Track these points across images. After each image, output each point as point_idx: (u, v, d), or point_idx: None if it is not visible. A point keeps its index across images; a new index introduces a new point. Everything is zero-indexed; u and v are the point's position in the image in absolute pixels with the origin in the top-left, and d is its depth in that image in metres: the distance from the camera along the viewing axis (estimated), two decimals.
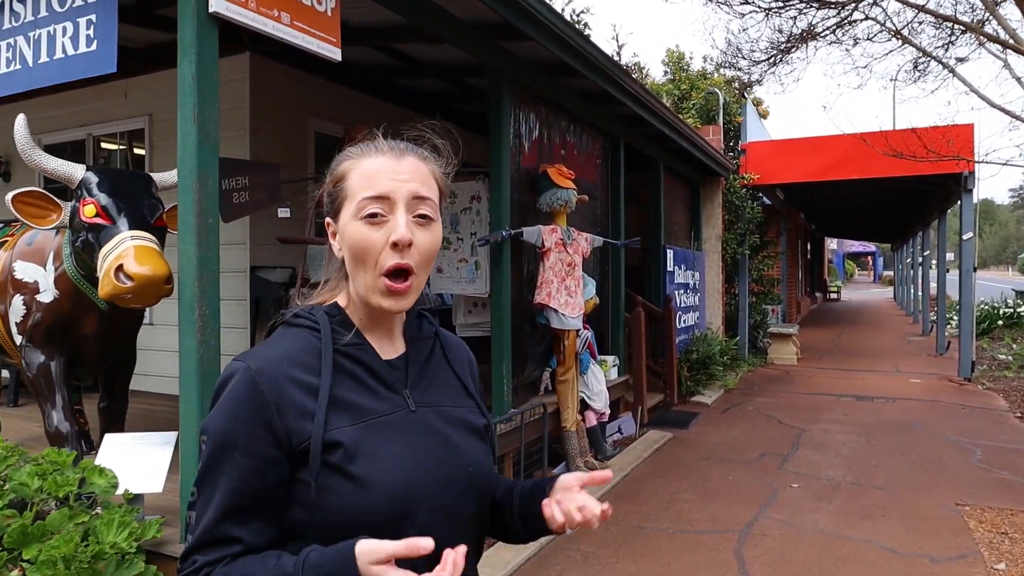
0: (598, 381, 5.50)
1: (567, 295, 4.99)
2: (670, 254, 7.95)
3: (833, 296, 29.40)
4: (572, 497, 1.02)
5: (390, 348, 1.06)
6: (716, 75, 9.72)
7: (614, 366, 6.36)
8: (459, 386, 1.11)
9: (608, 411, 5.62)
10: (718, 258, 9.84)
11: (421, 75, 5.79)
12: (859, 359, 11.17)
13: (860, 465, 5.20)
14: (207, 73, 2.42)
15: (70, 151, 6.52)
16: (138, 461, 2.54)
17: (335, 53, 3.00)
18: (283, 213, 3.93)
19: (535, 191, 5.05)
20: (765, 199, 11.89)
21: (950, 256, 15.01)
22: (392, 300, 0.98)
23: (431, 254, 1.01)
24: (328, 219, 1.05)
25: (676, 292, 8.16)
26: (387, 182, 0.98)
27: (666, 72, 10.83)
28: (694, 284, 8.90)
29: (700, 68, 10.68)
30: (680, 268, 8.33)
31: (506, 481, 1.17)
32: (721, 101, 9.81)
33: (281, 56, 5.61)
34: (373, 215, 0.96)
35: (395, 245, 0.95)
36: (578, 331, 5.08)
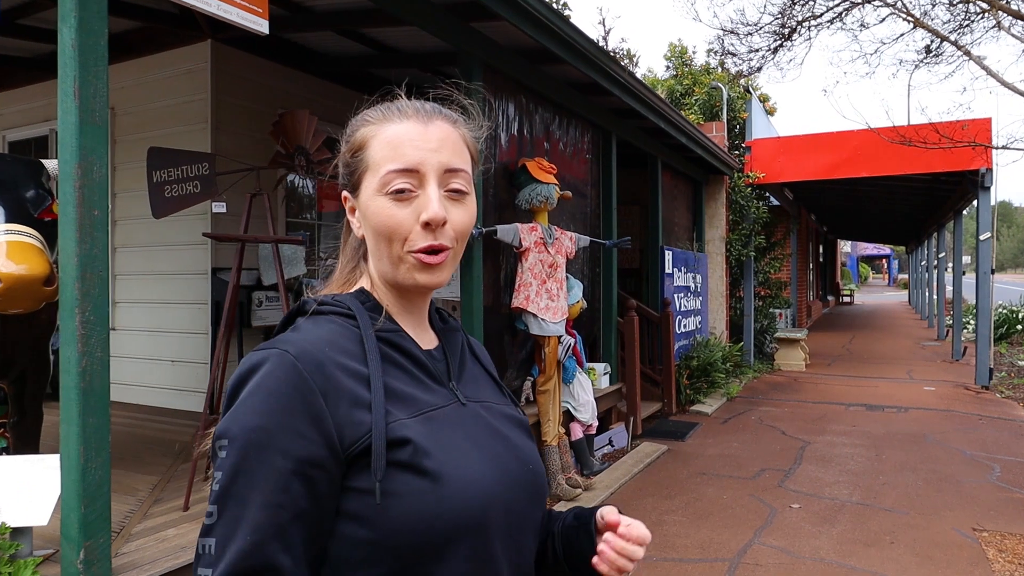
0: (584, 391, 5.13)
1: (548, 299, 4.63)
2: (669, 255, 7.56)
3: (846, 300, 28.80)
4: (622, 544, 0.90)
5: (425, 337, 0.93)
6: (719, 69, 9.32)
7: (605, 374, 5.99)
8: (492, 383, 0.99)
9: (596, 423, 5.24)
10: (722, 260, 9.43)
11: (398, 64, 5.45)
12: (870, 365, 10.71)
13: (868, 483, 4.79)
14: (91, 40, 2.09)
15: (34, 148, 6.25)
16: (20, 489, 2.21)
17: (262, 25, 2.66)
18: (218, 208, 3.60)
19: (514, 186, 4.70)
20: (773, 199, 11.48)
21: (966, 259, 14.48)
22: (427, 274, 0.85)
23: (467, 231, 0.89)
24: (345, 192, 0.92)
25: (675, 295, 7.77)
26: (415, 152, 0.85)
27: (668, 67, 10.46)
28: (696, 287, 8.50)
29: (704, 63, 10.28)
30: (680, 270, 7.94)
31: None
32: (725, 96, 9.41)
33: (248, 45, 5.30)
34: (400, 191, 0.84)
35: (427, 225, 0.83)
36: (560, 337, 4.72)
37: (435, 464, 0.78)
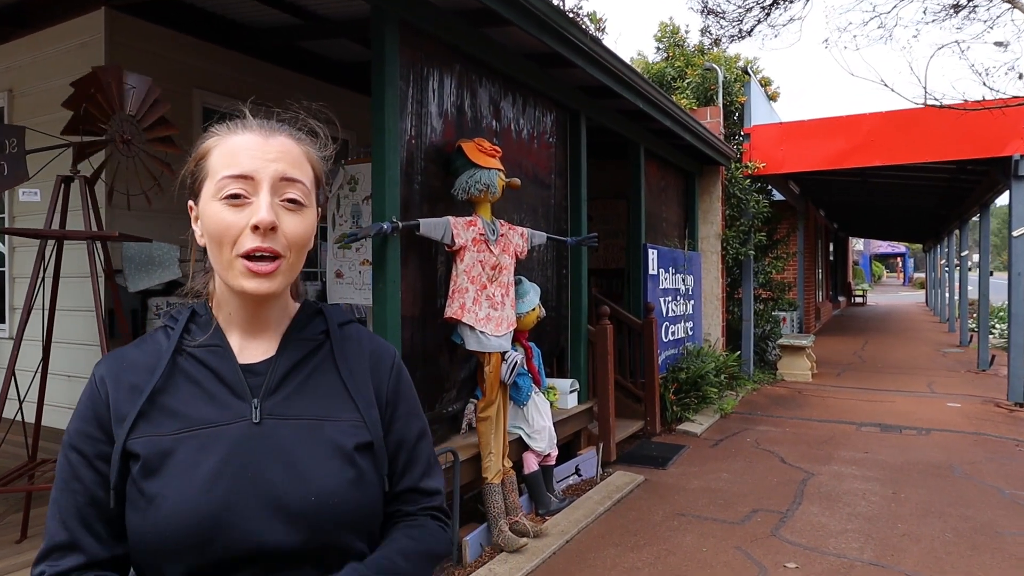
0: (541, 415, 4.32)
1: (490, 307, 3.83)
2: (653, 255, 6.73)
3: (858, 300, 27.77)
4: None
5: (260, 349, 0.94)
6: (706, 41, 8.48)
7: (572, 391, 5.17)
8: (343, 395, 0.95)
9: (555, 452, 4.43)
10: (717, 259, 8.58)
11: (328, 34, 4.66)
12: (885, 375, 9.81)
13: (883, 533, 3.94)
14: None
15: None
16: None
17: None
18: (27, 196, 2.84)
19: (450, 174, 3.89)
20: (777, 194, 10.60)
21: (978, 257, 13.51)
22: (255, 281, 0.87)
23: (302, 241, 0.90)
24: (190, 202, 0.94)
25: (662, 299, 6.93)
26: (251, 160, 0.88)
27: (658, 48, 9.61)
28: (686, 290, 7.66)
29: (698, 43, 9.42)
30: (667, 271, 7.10)
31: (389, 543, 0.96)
32: (720, 79, 8.56)
33: (153, 14, 4.53)
34: (235, 196, 0.87)
35: (255, 228, 0.85)
36: (504, 354, 3.91)
37: (156, 486, 0.84)
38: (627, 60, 5.37)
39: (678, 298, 7.40)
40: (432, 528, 1.00)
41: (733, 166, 8.67)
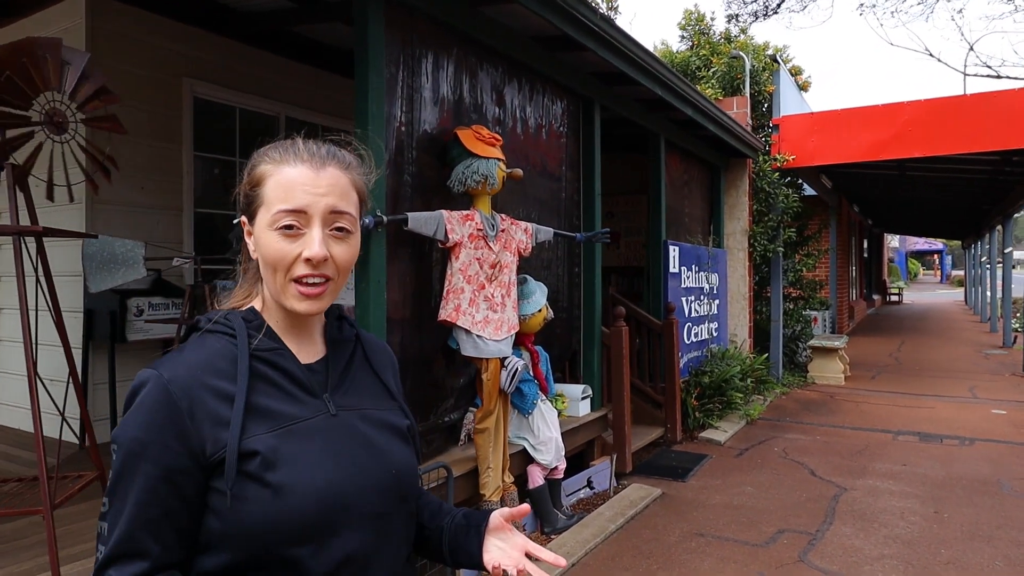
0: (548, 425, 4.01)
1: (488, 309, 3.52)
2: (674, 252, 6.36)
3: (894, 299, 26.88)
4: (509, 551, 1.08)
5: (310, 351, 1.04)
6: (742, 36, 8.05)
7: (584, 398, 4.85)
8: (382, 389, 1.09)
9: (562, 464, 4.12)
10: (745, 257, 8.16)
11: (323, 18, 4.39)
12: (923, 379, 9.29)
13: (925, 560, 3.56)
14: None
15: None
16: None
17: None
18: None
19: (446, 164, 3.60)
20: (808, 189, 10.13)
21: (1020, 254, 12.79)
22: (307, 303, 0.97)
23: (349, 264, 1.00)
24: (243, 218, 1.02)
25: (684, 299, 6.56)
26: (304, 196, 0.95)
27: (683, 37, 9.19)
28: (711, 289, 7.27)
29: (724, 30, 8.98)
30: (690, 269, 6.73)
31: (429, 501, 1.18)
32: (748, 67, 8.13)
33: (141, 0, 4.32)
34: (288, 227, 0.95)
35: (308, 260, 0.95)
36: (504, 359, 3.60)
37: (279, 476, 0.91)
38: (645, 44, 5.01)
39: (702, 297, 7.02)
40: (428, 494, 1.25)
41: (761, 159, 8.24)
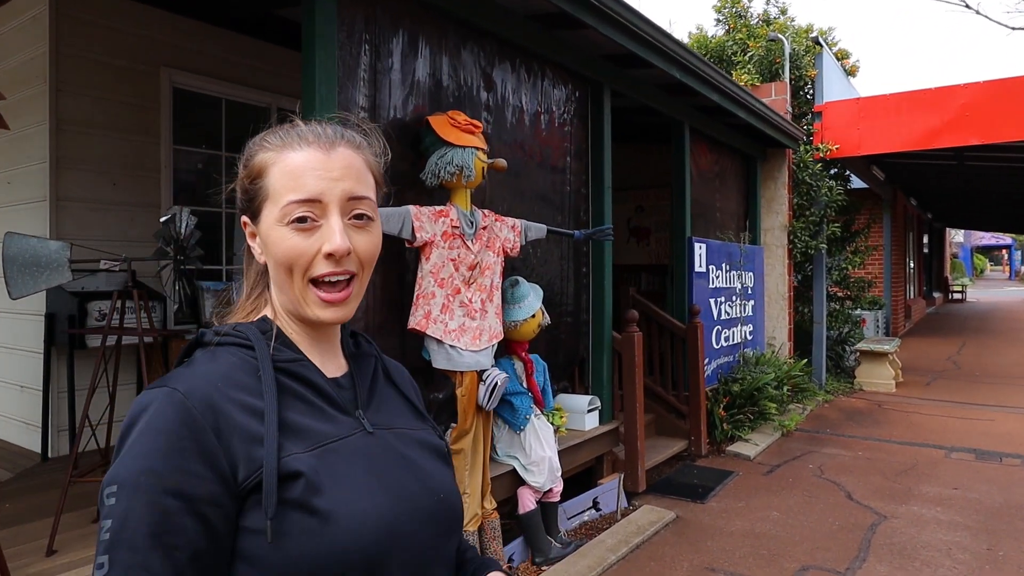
0: (541, 443, 3.62)
1: (465, 315, 3.16)
2: (701, 249, 5.87)
3: (956, 297, 25.40)
4: None
5: (332, 365, 0.91)
6: (781, 17, 7.46)
7: (592, 410, 4.44)
8: (409, 407, 0.97)
9: (559, 486, 3.73)
10: (784, 254, 7.58)
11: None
12: (984, 386, 8.50)
13: None
14: None
15: None
16: None
17: None
18: None
19: (422, 155, 3.24)
20: (856, 180, 9.42)
21: None
22: (331, 311, 0.85)
23: (372, 257, 0.88)
24: (245, 218, 0.89)
25: (712, 300, 6.07)
26: (317, 182, 0.83)
27: (718, 21, 8.60)
28: (744, 288, 6.74)
29: (762, 12, 8.37)
30: (720, 268, 6.22)
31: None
32: (787, 51, 7.52)
33: None
34: (302, 219, 0.82)
35: (329, 256, 0.83)
36: (482, 373, 3.23)
37: (326, 502, 0.76)
38: (665, 25, 4.54)
39: (733, 298, 6.50)
40: None
41: (802, 149, 7.63)
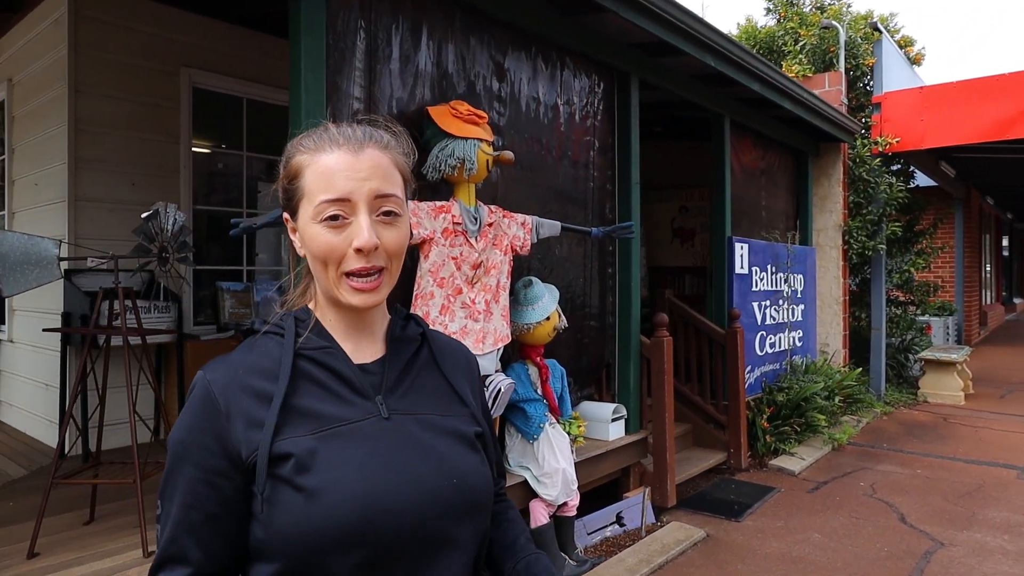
0: (555, 454, 3.40)
1: (467, 317, 2.98)
2: (742, 249, 5.53)
3: None
4: None
5: (368, 351, 0.98)
6: (836, 2, 7.01)
7: (617, 419, 4.19)
8: (450, 392, 1.01)
9: (574, 500, 3.50)
10: (838, 255, 7.11)
11: None
12: None
13: None
14: None
15: None
16: None
17: None
18: None
19: (425, 149, 3.08)
20: (920, 176, 8.81)
21: None
22: (361, 296, 0.92)
23: (400, 250, 0.96)
24: (286, 215, 0.98)
25: (755, 303, 5.71)
26: (346, 183, 0.90)
27: (768, 10, 8.17)
28: (792, 292, 6.33)
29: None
30: (764, 269, 5.85)
31: (506, 530, 1.08)
32: (842, 38, 7.06)
33: None
34: (334, 217, 0.90)
35: (359, 251, 0.90)
36: (485, 378, 3.04)
37: (313, 480, 0.84)
38: (693, 8, 4.27)
39: (780, 302, 6.11)
40: (515, 507, 1.16)
41: (859, 143, 7.15)
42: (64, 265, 4.02)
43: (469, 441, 0.97)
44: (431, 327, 2.79)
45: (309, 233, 0.91)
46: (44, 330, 3.66)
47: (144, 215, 2.64)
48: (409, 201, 2.69)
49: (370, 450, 0.88)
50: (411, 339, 1.02)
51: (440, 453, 0.92)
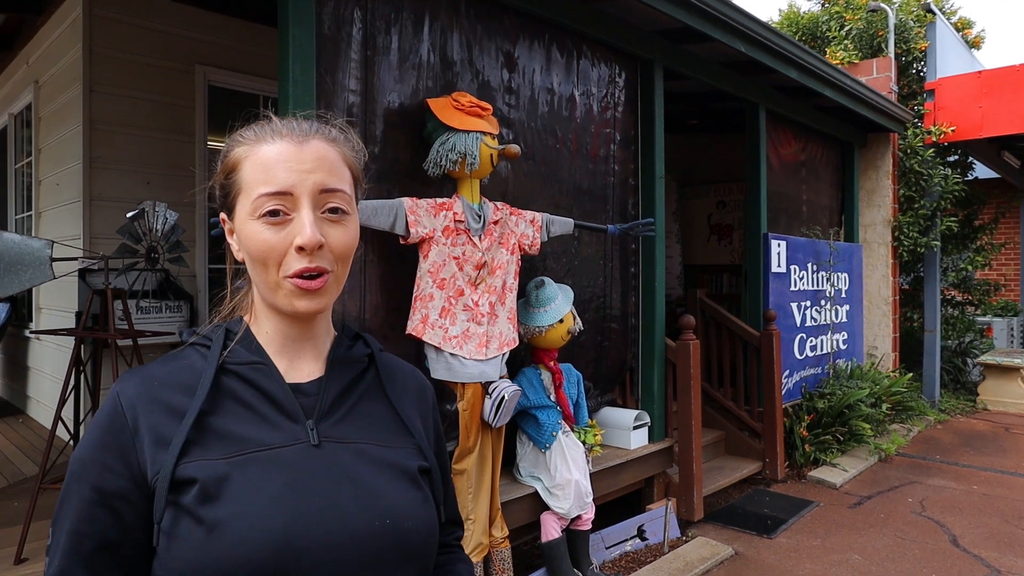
0: (567, 464, 3.22)
1: (469, 320, 2.82)
2: (780, 247, 5.22)
3: None
4: None
5: (305, 370, 0.88)
6: None
7: (640, 426, 3.98)
8: (395, 421, 0.91)
9: (589, 513, 3.30)
10: (887, 253, 6.70)
11: None
12: None
13: None
14: None
15: None
16: None
17: None
18: None
19: (426, 143, 2.93)
20: (980, 168, 8.27)
21: None
22: (305, 300, 0.82)
23: (347, 253, 0.85)
24: (223, 215, 0.89)
25: (794, 304, 5.39)
26: (288, 174, 0.81)
27: None
28: (835, 292, 5.98)
29: None
30: (804, 268, 5.53)
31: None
32: (891, 21, 6.64)
33: None
34: (273, 213, 0.81)
35: (301, 249, 0.80)
36: (488, 385, 2.87)
37: (217, 512, 0.74)
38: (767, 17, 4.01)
39: (821, 302, 5.77)
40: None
41: (910, 132, 6.72)
42: (73, 265, 4.03)
43: (411, 476, 0.86)
44: (431, 330, 2.63)
45: (246, 232, 0.82)
46: (31, 332, 3.65)
47: (129, 214, 2.57)
48: (405, 198, 2.51)
49: (288, 480, 0.77)
50: (356, 360, 0.93)
51: (373, 488, 0.82)
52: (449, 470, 1.02)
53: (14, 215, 5.48)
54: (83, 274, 3.77)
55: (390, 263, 2.86)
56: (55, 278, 2.52)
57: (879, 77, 6.64)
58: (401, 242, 2.74)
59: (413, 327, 2.73)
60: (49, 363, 4.57)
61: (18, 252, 2.54)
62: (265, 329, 0.88)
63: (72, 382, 2.63)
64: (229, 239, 0.89)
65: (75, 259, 2.65)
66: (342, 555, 0.77)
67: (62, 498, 0.78)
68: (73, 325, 3.85)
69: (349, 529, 0.78)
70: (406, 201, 2.70)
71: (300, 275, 0.80)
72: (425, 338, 2.71)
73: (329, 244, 0.82)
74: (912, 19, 6.80)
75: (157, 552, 0.75)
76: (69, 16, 4.12)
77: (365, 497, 0.81)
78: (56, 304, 4.34)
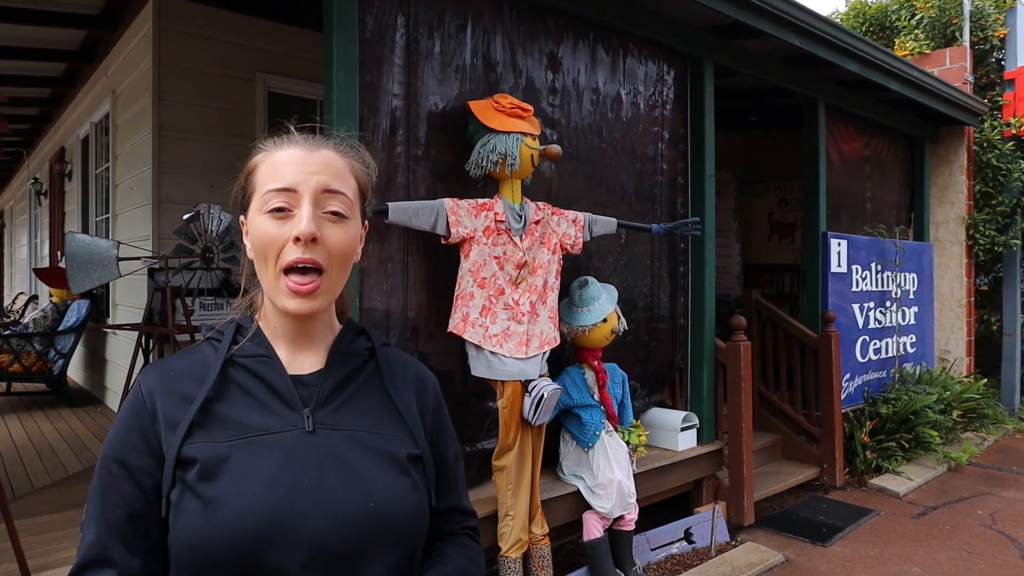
0: (610, 464, 3.21)
1: (509, 319, 2.85)
2: (840, 246, 5.04)
3: None
4: None
5: (307, 362, 0.95)
6: None
7: (688, 428, 3.93)
8: (391, 411, 0.96)
9: (632, 513, 3.28)
10: (961, 252, 6.37)
11: None
12: None
13: None
14: None
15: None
16: None
17: None
18: None
19: (469, 145, 2.99)
20: None
21: None
22: (297, 301, 0.88)
23: (345, 254, 0.91)
24: (242, 216, 0.96)
25: (856, 305, 5.20)
26: (293, 173, 0.89)
27: None
28: (903, 293, 5.72)
29: None
30: (866, 267, 5.32)
31: (441, 564, 0.98)
32: (966, 8, 6.30)
33: None
34: (278, 208, 0.88)
35: (296, 240, 0.86)
36: (528, 383, 2.89)
37: (215, 490, 0.81)
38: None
39: (886, 303, 5.54)
40: (477, 549, 1.06)
41: (987, 125, 6.37)
42: (139, 264, 4.28)
43: (400, 463, 0.91)
44: (471, 328, 2.68)
45: (254, 225, 0.89)
46: (103, 326, 3.87)
47: (185, 216, 2.72)
48: (446, 199, 2.56)
49: (282, 463, 0.84)
50: (356, 353, 0.99)
51: (361, 473, 0.87)
52: (452, 460, 1.05)
53: (94, 217, 5.85)
54: (151, 273, 4.00)
55: (433, 263, 2.93)
56: (120, 276, 2.69)
57: (952, 67, 6.32)
58: (442, 242, 2.80)
59: (454, 325, 2.79)
60: (123, 356, 4.86)
61: (88, 252, 2.73)
62: (272, 325, 0.95)
63: (136, 373, 2.79)
64: (245, 240, 0.95)
65: (137, 259, 2.82)
66: (328, 535, 0.82)
67: (97, 473, 0.86)
68: (142, 321, 4.10)
69: (336, 511, 0.83)
70: (447, 202, 2.75)
71: (294, 266, 0.86)
72: (465, 336, 2.76)
73: (325, 241, 0.87)
74: (990, 5, 6.43)
75: (169, 525, 0.83)
76: (141, 30, 4.38)
77: (353, 481, 0.86)
78: (129, 301, 4.63)
